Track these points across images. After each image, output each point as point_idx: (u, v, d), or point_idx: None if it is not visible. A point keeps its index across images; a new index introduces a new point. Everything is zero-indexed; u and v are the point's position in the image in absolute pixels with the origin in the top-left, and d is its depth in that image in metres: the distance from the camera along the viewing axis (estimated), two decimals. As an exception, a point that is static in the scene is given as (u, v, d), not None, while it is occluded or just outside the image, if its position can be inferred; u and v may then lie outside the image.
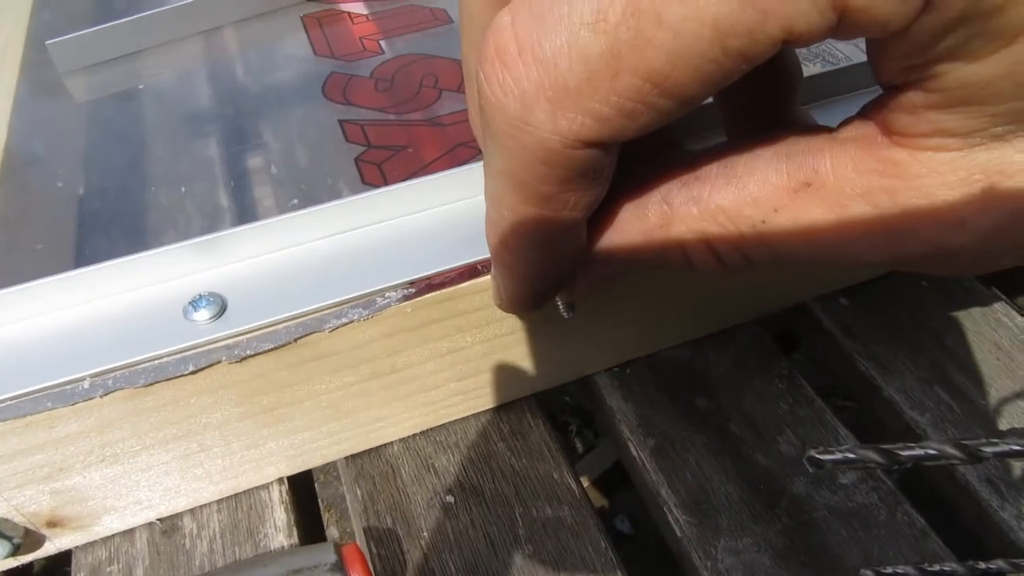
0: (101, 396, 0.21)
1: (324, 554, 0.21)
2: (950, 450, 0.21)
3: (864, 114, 0.16)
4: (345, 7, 0.36)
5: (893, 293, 0.30)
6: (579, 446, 0.86)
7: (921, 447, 0.21)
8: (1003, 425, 0.26)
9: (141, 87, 0.33)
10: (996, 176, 0.14)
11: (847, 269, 0.17)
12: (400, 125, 0.29)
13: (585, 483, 0.71)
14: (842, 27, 0.13)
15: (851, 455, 0.21)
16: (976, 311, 0.29)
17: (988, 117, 0.14)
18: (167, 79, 0.33)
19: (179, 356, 0.21)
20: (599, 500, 0.77)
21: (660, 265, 0.19)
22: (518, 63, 0.14)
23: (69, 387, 0.21)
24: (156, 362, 0.21)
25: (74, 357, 0.21)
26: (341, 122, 0.29)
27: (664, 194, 0.18)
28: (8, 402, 0.20)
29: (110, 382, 0.21)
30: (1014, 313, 0.29)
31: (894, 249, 0.16)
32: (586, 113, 0.14)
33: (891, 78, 0.15)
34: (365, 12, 0.36)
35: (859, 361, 0.28)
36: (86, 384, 0.21)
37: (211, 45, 0.35)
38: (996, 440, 0.21)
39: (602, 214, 0.18)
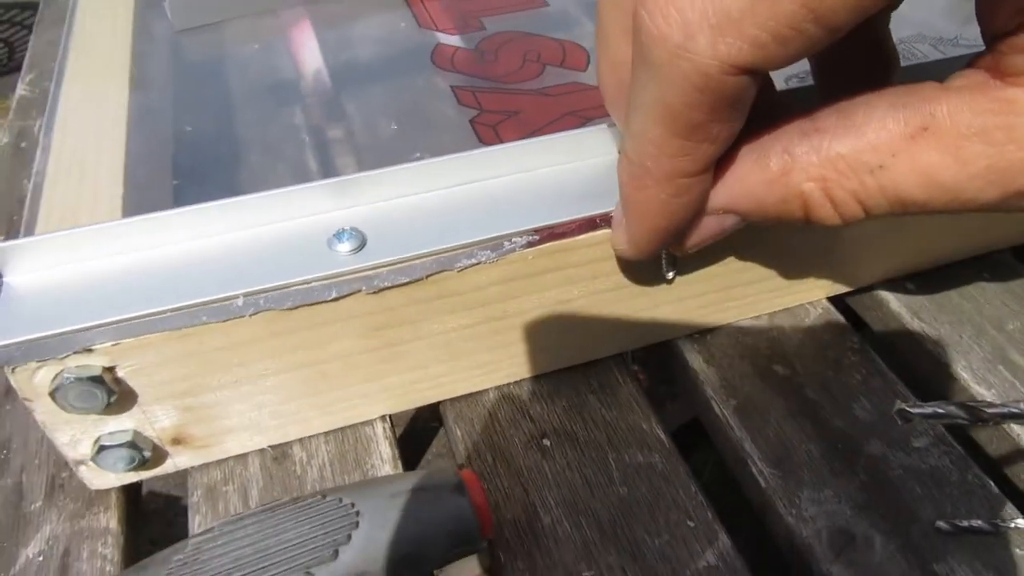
0: (250, 315, 0.22)
1: (447, 476, 0.23)
2: (1033, 408, 0.23)
3: (973, 64, 0.18)
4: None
5: (956, 281, 0.32)
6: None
7: (1004, 405, 0.23)
8: (1064, 404, 0.27)
9: (256, 47, 0.34)
10: None
11: (959, 212, 0.18)
12: (509, 93, 0.30)
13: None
14: None
15: (939, 410, 0.23)
16: (1034, 302, 0.31)
17: None
18: (280, 44, 0.35)
19: (324, 283, 0.23)
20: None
21: (777, 217, 0.20)
22: None
23: (224, 304, 0.22)
24: (303, 287, 0.23)
25: (229, 277, 0.22)
26: (453, 88, 0.31)
27: (785, 144, 0.19)
28: (168, 314, 0.22)
29: (261, 302, 0.22)
30: (1070, 305, 0.31)
31: (1008, 185, 0.18)
32: (745, 39, 0.16)
33: (1004, 24, 0.17)
34: (464, -13, 0.38)
35: (927, 340, 0.30)
36: (240, 302, 0.22)
37: (319, 13, 0.37)
38: (1075, 401, 0.23)
39: (722, 165, 0.20)
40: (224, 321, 0.22)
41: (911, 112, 0.18)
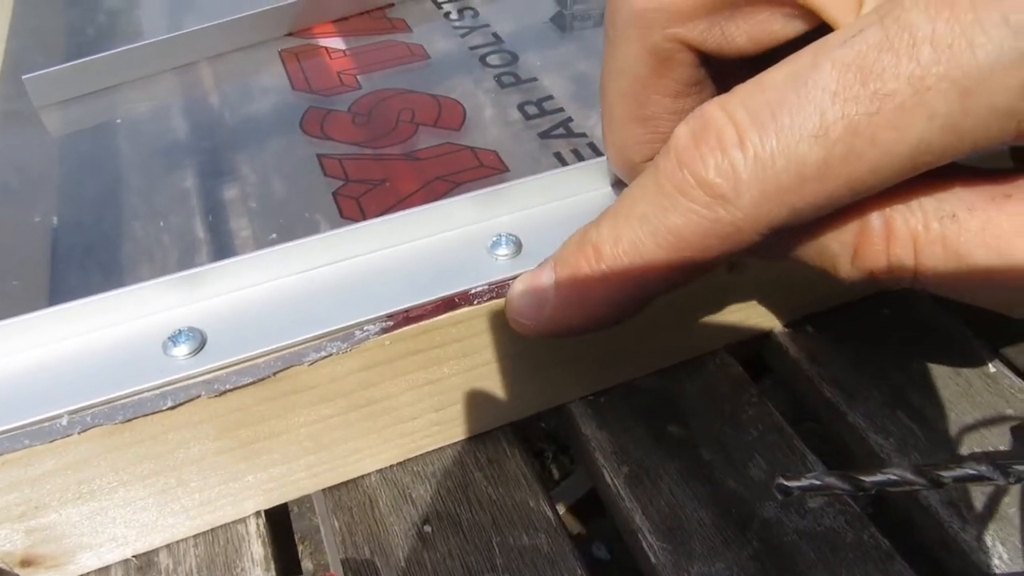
0: (79, 433, 0.21)
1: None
2: (911, 476, 0.22)
3: None
4: (323, 42, 0.37)
5: (856, 321, 0.31)
6: (555, 472, 0.86)
7: (883, 473, 0.22)
8: (963, 447, 0.27)
9: (118, 121, 0.33)
10: None
11: (1016, 293, 0.17)
12: (377, 159, 0.29)
13: (561, 510, 0.71)
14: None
15: (817, 482, 0.22)
16: (935, 337, 0.30)
17: None
18: (144, 113, 0.33)
19: (158, 392, 0.21)
20: (576, 527, 0.77)
21: (821, 242, 0.19)
22: (738, 151, 0.16)
23: (47, 424, 0.21)
24: (135, 398, 0.21)
25: (52, 394, 0.21)
26: (319, 156, 0.30)
27: None
28: (-16, 440, 0.20)
29: (88, 418, 0.21)
30: (972, 338, 0.30)
31: None
32: (785, 206, 0.16)
33: None
34: (343, 47, 0.37)
35: (824, 387, 0.29)
36: (64, 421, 0.21)
37: (188, 79, 0.35)
38: (954, 465, 0.22)
39: None
40: (50, 442, 0.21)
41: (996, 177, 0.17)
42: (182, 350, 0.22)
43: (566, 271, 0.20)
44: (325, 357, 0.22)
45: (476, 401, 0.26)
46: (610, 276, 0.19)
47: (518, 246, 0.24)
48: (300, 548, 0.25)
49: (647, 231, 0.18)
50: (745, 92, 0.16)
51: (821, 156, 0.15)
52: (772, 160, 0.16)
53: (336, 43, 0.37)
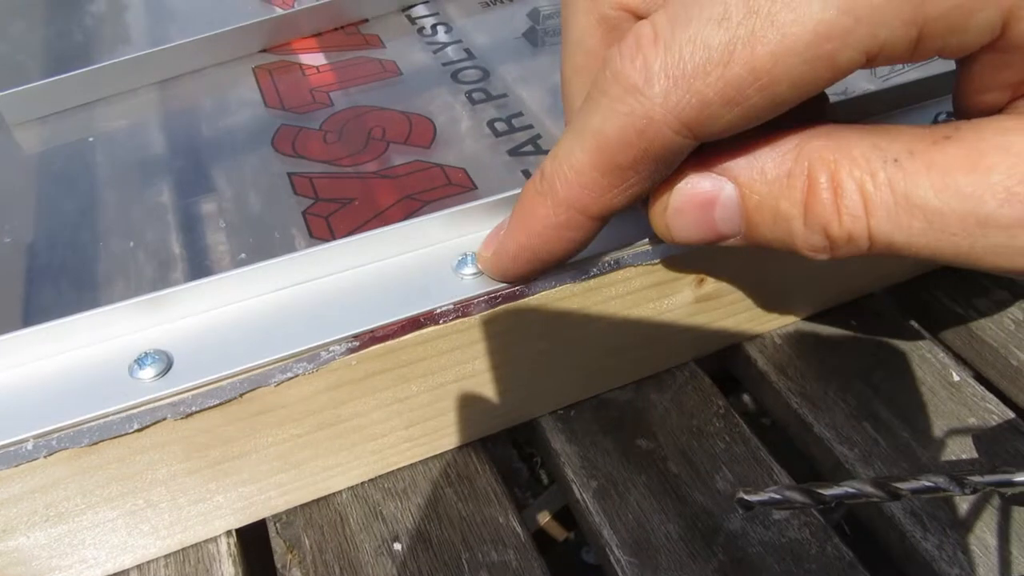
0: (45, 456, 0.21)
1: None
2: (869, 489, 0.22)
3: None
4: (297, 58, 0.37)
5: (823, 333, 0.31)
6: (544, 477, 0.86)
7: (842, 486, 0.22)
8: (926, 456, 0.27)
9: (91, 139, 0.33)
10: None
11: (965, 240, 0.17)
12: (347, 177, 0.29)
13: (547, 517, 0.71)
14: (922, 41, 0.16)
15: (776, 496, 0.22)
16: (901, 347, 0.31)
17: None
18: (116, 131, 0.33)
19: (123, 415, 0.21)
20: (563, 533, 0.77)
21: (774, 200, 0.19)
22: (652, 47, 0.17)
23: (12, 448, 0.21)
24: (100, 421, 0.21)
25: (16, 418, 0.21)
26: (290, 175, 0.30)
27: (802, 136, 0.18)
28: (-50, 465, 0.20)
29: (54, 442, 0.21)
30: (937, 348, 0.31)
31: None
32: (693, 93, 0.17)
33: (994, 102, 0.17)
34: (316, 64, 0.37)
35: (792, 399, 0.29)
36: (29, 445, 0.21)
37: (161, 97, 0.35)
38: (911, 478, 0.22)
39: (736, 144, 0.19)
40: (16, 466, 0.21)
41: (936, 126, 0.17)
42: (148, 372, 0.22)
43: (520, 198, 0.21)
44: (292, 378, 0.22)
45: (446, 418, 0.27)
46: (548, 192, 0.20)
47: (484, 265, 0.25)
48: (289, 557, 0.25)
49: (575, 139, 0.19)
50: (668, 2, 0.17)
51: (725, 39, 0.16)
52: (679, 48, 0.17)
53: (310, 59, 0.37)
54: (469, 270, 0.24)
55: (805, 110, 0.18)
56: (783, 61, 0.16)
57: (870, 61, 0.16)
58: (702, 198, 0.20)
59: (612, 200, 0.20)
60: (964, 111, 0.19)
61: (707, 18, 0.16)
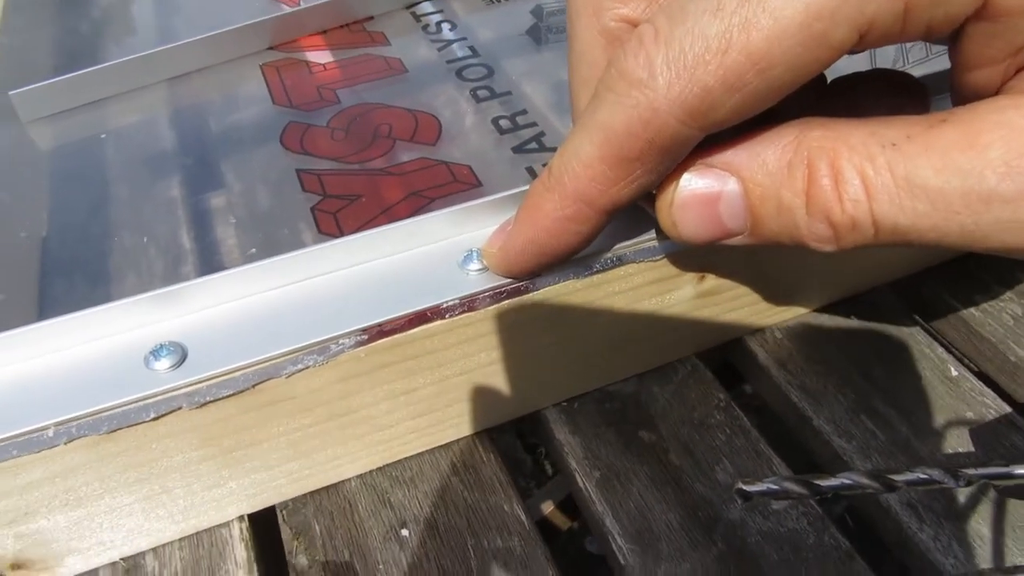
0: (65, 443, 0.22)
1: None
2: (865, 480, 0.23)
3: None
4: (303, 55, 0.38)
5: (824, 326, 0.32)
6: (549, 468, 0.87)
7: (838, 478, 0.23)
8: (923, 450, 0.28)
9: (103, 136, 0.34)
10: None
11: (969, 218, 0.17)
12: (355, 174, 0.30)
13: (551, 507, 0.72)
14: (910, 13, 0.16)
15: (775, 486, 0.23)
16: (900, 342, 0.31)
17: None
18: (127, 127, 0.34)
19: (140, 404, 0.22)
20: (567, 522, 0.78)
21: (777, 191, 0.19)
22: (653, 43, 0.18)
23: (34, 435, 0.21)
24: (118, 410, 0.22)
25: (38, 406, 0.22)
26: (298, 171, 0.30)
27: (802, 126, 0.19)
28: (-26, 452, 0.21)
29: (73, 429, 0.22)
30: (935, 343, 0.31)
31: None
32: (695, 82, 0.17)
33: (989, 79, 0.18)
34: (323, 61, 0.38)
35: (792, 392, 0.30)
36: (50, 432, 0.21)
37: (172, 94, 0.36)
38: (906, 470, 0.23)
39: (737, 136, 0.20)
40: (37, 452, 0.22)
41: (931, 114, 0.18)
42: (164, 364, 0.22)
43: (528, 194, 0.22)
44: (302, 370, 0.23)
45: (452, 409, 0.27)
46: (556, 186, 0.21)
47: (489, 260, 0.25)
48: (295, 543, 0.26)
49: (582, 134, 0.20)
50: (666, 2, 0.18)
51: (721, 28, 0.17)
52: (679, 40, 0.17)
53: (316, 56, 0.38)
54: (475, 266, 0.25)
55: (807, 101, 0.19)
56: (778, 44, 0.16)
57: (863, 39, 0.17)
58: (706, 193, 0.20)
59: (619, 193, 0.20)
60: (960, 96, 0.19)
61: (702, 11, 0.17)
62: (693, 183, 0.20)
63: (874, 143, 0.17)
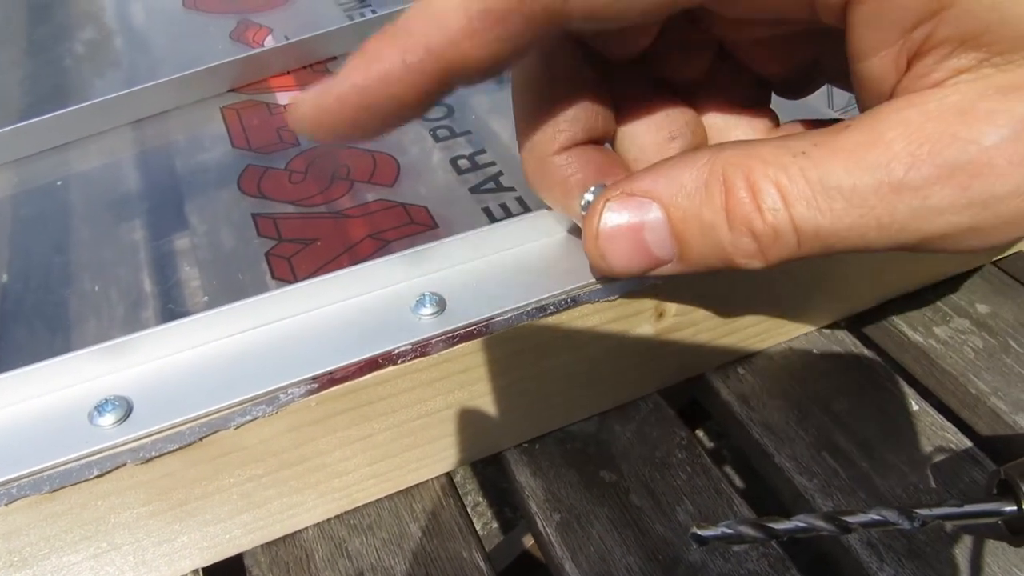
0: (6, 504, 0.21)
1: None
2: (820, 523, 0.22)
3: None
4: (264, 97, 0.38)
5: (786, 361, 0.32)
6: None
7: (793, 520, 0.23)
8: (884, 487, 0.28)
9: (59, 183, 0.33)
10: None
11: (884, 213, 0.17)
12: (312, 218, 0.30)
13: (531, 540, 0.71)
14: None
15: (729, 531, 0.23)
16: (862, 376, 0.31)
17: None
18: (85, 174, 0.34)
19: (83, 462, 0.22)
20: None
21: (697, 210, 0.19)
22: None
23: (-28, 497, 0.21)
24: (61, 468, 0.21)
25: (-23, 467, 0.21)
26: (254, 216, 0.30)
27: (715, 149, 0.19)
28: (-90, 515, 0.21)
29: (14, 490, 0.21)
30: (897, 377, 0.31)
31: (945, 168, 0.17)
32: None
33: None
34: (284, 103, 0.38)
35: (753, 429, 0.30)
36: (-11, 493, 0.21)
37: (132, 138, 0.36)
38: (861, 512, 0.23)
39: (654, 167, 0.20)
40: (-24, 514, 0.21)
41: (834, 124, 0.18)
42: (108, 419, 0.22)
43: (365, 44, 0.18)
44: (251, 421, 0.23)
45: (410, 454, 0.27)
46: (401, 32, 0.18)
47: (442, 305, 0.25)
48: None
49: None
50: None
51: None
52: None
53: (277, 98, 0.38)
54: (427, 310, 0.25)
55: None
56: None
57: None
58: (630, 222, 0.20)
59: (470, 49, 0.18)
60: (862, 98, 0.20)
61: None
62: (616, 213, 0.20)
63: (785, 153, 0.18)
